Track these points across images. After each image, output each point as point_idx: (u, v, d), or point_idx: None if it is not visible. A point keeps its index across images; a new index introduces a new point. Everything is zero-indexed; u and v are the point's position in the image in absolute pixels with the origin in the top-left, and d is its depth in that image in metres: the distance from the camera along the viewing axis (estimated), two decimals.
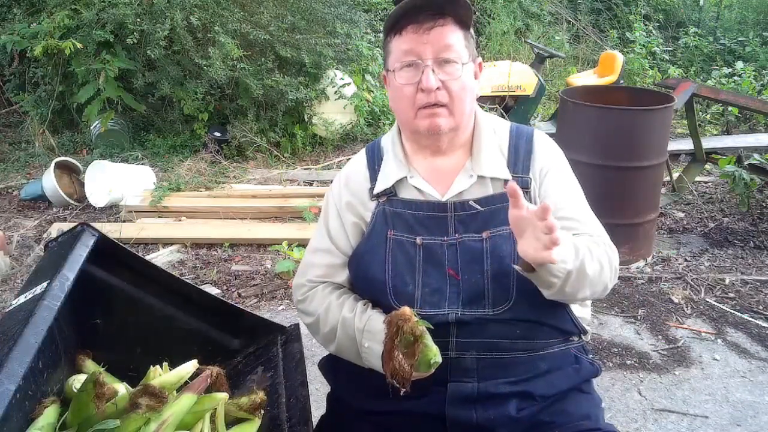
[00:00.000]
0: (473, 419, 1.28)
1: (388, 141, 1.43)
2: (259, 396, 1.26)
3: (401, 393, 1.16)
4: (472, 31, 1.32)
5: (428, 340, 1.14)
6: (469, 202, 1.32)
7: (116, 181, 4.34)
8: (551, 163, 1.37)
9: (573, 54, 8.23)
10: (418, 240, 1.31)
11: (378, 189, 1.37)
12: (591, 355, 1.45)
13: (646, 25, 8.60)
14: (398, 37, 1.28)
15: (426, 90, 1.25)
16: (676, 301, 3.21)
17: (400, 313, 1.14)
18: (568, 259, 1.16)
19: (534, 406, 1.31)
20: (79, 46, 4.96)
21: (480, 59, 1.35)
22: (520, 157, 1.36)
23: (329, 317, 1.35)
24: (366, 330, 1.29)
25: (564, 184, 1.37)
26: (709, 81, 7.21)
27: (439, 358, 1.14)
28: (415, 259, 1.31)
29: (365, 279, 1.36)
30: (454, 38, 1.26)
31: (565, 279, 1.18)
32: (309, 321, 1.42)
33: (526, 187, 1.33)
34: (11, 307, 1.23)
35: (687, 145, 4.50)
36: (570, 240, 1.22)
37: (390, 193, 1.36)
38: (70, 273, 1.22)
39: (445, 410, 1.29)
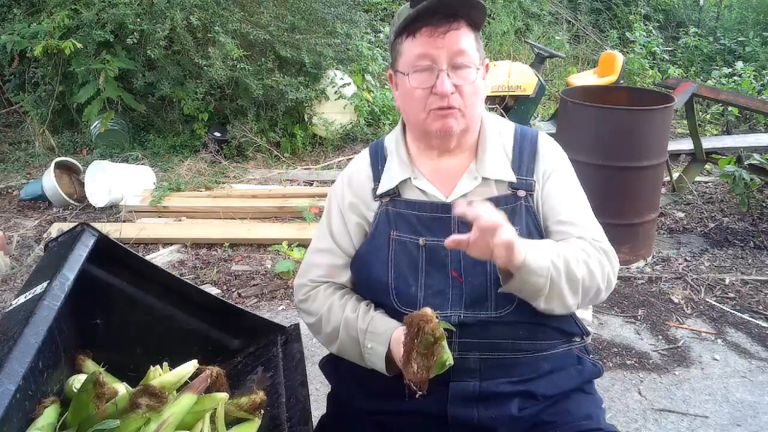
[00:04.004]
0: (475, 418, 1.28)
1: (392, 141, 1.43)
2: (259, 396, 1.26)
3: (417, 396, 1.16)
4: (480, 33, 1.32)
5: (445, 341, 1.14)
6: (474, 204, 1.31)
7: (116, 181, 4.34)
8: (555, 165, 1.37)
9: (573, 54, 8.23)
10: (422, 241, 1.31)
11: (381, 190, 1.37)
12: (592, 356, 1.46)
13: (646, 25, 8.60)
14: (411, 39, 1.26)
15: (441, 95, 1.25)
16: (676, 301, 3.21)
17: (421, 314, 1.12)
18: (545, 256, 1.17)
19: (536, 406, 1.31)
20: (79, 46, 4.96)
21: (487, 60, 1.35)
22: (524, 160, 1.36)
23: (331, 317, 1.35)
24: (369, 331, 1.29)
25: (566, 188, 1.37)
26: (709, 81, 7.20)
27: (452, 360, 1.14)
28: (418, 260, 1.31)
29: (368, 280, 1.35)
30: (467, 42, 1.26)
31: (552, 280, 1.19)
32: (311, 321, 1.42)
33: (530, 190, 1.33)
34: (11, 307, 1.23)
35: (687, 145, 4.50)
36: (547, 242, 1.24)
37: (393, 194, 1.36)
38: (70, 273, 1.22)
39: (447, 409, 1.29)
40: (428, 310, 1.13)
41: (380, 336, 1.27)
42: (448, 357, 1.13)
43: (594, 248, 1.29)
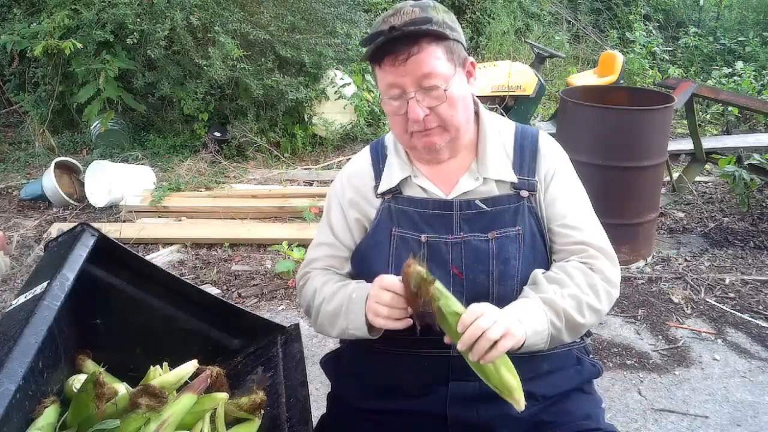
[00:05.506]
0: (474, 419, 1.29)
1: (391, 140, 1.43)
2: (259, 396, 1.26)
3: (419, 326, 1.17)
4: (455, 34, 1.27)
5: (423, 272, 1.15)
6: (475, 202, 1.32)
7: (116, 181, 4.34)
8: (557, 166, 1.37)
9: (573, 54, 8.23)
10: (423, 237, 1.31)
11: (383, 188, 1.37)
12: (592, 356, 1.46)
13: (646, 25, 8.61)
14: (378, 68, 1.26)
15: (414, 121, 1.25)
16: (676, 301, 3.21)
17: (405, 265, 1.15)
18: (540, 327, 1.20)
19: (535, 406, 1.31)
20: (79, 46, 4.96)
21: (471, 59, 1.33)
22: (525, 159, 1.35)
23: (325, 289, 1.36)
24: (357, 288, 1.30)
25: (570, 190, 1.37)
26: (709, 81, 7.20)
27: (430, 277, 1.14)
28: (419, 256, 1.31)
29: (368, 274, 1.34)
30: (432, 61, 1.22)
31: (552, 338, 1.22)
32: (307, 298, 1.41)
33: (532, 190, 1.33)
34: (11, 307, 1.23)
35: (687, 145, 4.50)
36: (535, 311, 1.22)
37: (395, 191, 1.36)
38: (70, 273, 1.22)
39: (447, 409, 1.29)
40: (408, 261, 1.15)
41: (365, 289, 1.27)
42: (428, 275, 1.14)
43: (598, 274, 1.29)
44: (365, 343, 1.34)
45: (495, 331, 1.09)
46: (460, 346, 1.12)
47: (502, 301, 1.27)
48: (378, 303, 1.20)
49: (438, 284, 1.14)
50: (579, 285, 1.26)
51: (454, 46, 1.27)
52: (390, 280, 1.20)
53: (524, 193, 1.33)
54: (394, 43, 1.21)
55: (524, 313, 1.19)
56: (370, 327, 1.25)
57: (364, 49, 1.26)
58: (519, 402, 1.13)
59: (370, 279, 1.33)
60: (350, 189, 1.41)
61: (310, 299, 1.39)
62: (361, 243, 1.39)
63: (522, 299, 1.25)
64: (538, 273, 1.29)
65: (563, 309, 1.22)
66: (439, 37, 1.24)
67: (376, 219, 1.37)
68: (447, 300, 1.14)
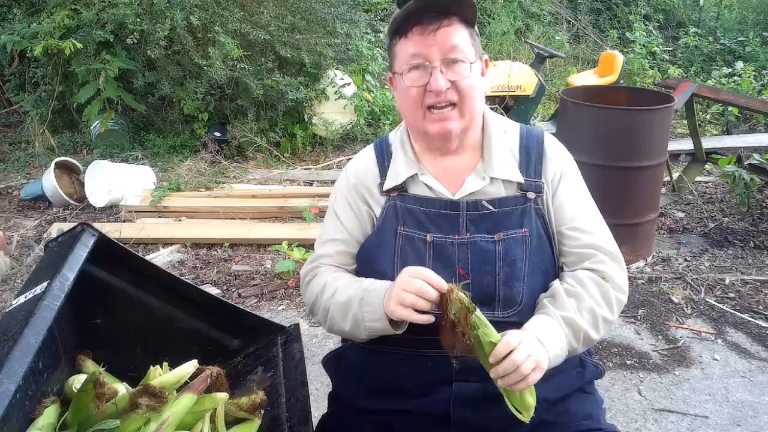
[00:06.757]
0: (477, 419, 1.28)
1: (396, 138, 1.42)
2: (259, 396, 1.26)
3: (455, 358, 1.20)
4: (476, 28, 1.31)
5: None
6: (482, 202, 1.31)
7: (116, 181, 4.34)
8: (564, 169, 1.37)
9: (573, 54, 8.24)
10: (429, 237, 1.31)
11: (388, 185, 1.36)
12: (593, 357, 1.46)
13: (646, 25, 8.60)
14: (404, 39, 1.27)
15: (435, 92, 1.25)
16: (676, 301, 3.21)
17: (447, 289, 1.15)
18: (560, 351, 1.22)
19: (537, 408, 1.31)
20: (79, 46, 4.96)
21: (486, 56, 1.35)
22: (531, 161, 1.35)
23: (337, 282, 1.34)
24: (374, 281, 1.29)
25: (578, 193, 1.37)
26: (709, 81, 7.21)
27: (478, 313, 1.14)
28: (424, 256, 1.31)
29: (372, 273, 1.34)
30: (460, 38, 1.25)
31: (568, 355, 1.24)
32: (314, 292, 1.38)
33: (539, 192, 1.33)
34: (11, 307, 1.23)
35: (687, 145, 4.50)
36: (557, 334, 1.23)
37: (401, 189, 1.36)
38: (70, 273, 1.22)
39: (450, 410, 1.29)
40: (451, 285, 1.15)
41: (384, 283, 1.26)
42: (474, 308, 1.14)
43: (610, 283, 1.30)
44: (367, 342, 1.34)
45: (528, 366, 1.12)
46: (493, 375, 1.14)
47: (507, 303, 1.28)
48: (405, 290, 1.17)
49: (478, 312, 1.14)
50: (594, 297, 1.27)
51: (476, 37, 1.30)
52: (426, 271, 1.18)
53: (531, 195, 1.33)
54: (426, 13, 1.23)
55: (546, 337, 1.20)
56: (391, 321, 1.23)
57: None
58: (529, 418, 1.15)
59: (375, 277, 1.33)
60: (356, 183, 1.41)
61: (318, 293, 1.37)
62: (367, 240, 1.38)
63: (543, 316, 1.25)
64: (556, 285, 1.29)
65: (583, 330, 1.24)
66: (467, 22, 1.27)
67: (381, 217, 1.36)
68: (486, 329, 1.14)
